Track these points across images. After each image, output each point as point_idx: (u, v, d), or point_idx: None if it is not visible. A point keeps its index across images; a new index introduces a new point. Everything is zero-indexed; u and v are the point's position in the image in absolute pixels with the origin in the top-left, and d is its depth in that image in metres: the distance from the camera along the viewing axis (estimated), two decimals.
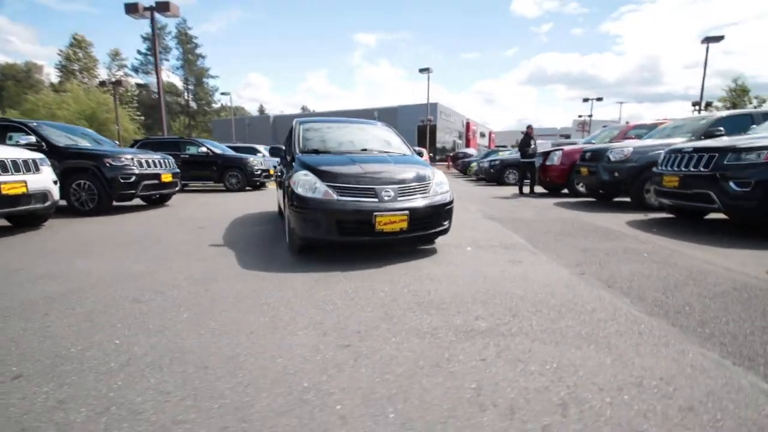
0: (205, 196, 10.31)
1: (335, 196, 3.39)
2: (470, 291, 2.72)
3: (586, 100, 35.34)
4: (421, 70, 25.50)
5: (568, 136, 58.61)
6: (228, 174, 11.60)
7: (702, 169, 4.57)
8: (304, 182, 3.50)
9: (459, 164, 21.83)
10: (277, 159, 15.69)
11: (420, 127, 29.62)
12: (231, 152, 12.58)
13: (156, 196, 7.79)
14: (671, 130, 7.32)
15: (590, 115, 38.95)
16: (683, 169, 4.82)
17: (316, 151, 4.23)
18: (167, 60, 51.76)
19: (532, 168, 10.07)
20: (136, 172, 6.83)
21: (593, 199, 8.40)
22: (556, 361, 1.76)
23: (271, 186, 13.72)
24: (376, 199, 3.41)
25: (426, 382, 1.61)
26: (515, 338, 2.00)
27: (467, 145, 35.09)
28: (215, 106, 56.97)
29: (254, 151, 14.93)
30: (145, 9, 12.91)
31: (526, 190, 10.24)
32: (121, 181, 6.61)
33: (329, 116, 35.88)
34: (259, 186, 12.47)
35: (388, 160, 4.04)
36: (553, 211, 6.95)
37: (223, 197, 10.04)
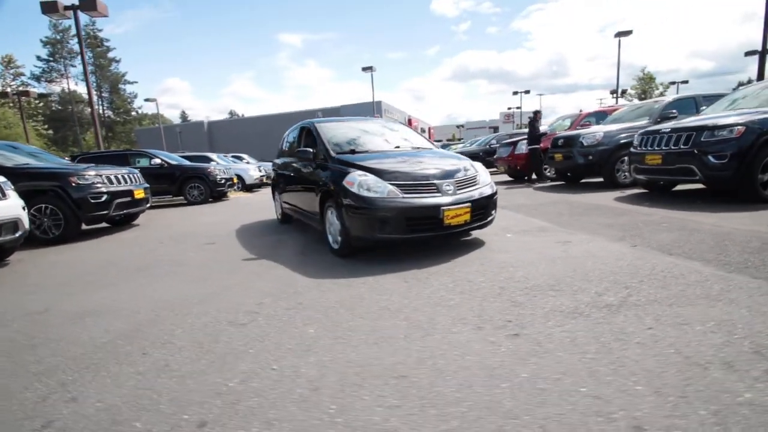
0: (171, 212, 9.42)
1: (400, 194, 3.35)
2: (560, 272, 2.85)
3: (515, 93, 38.03)
4: (364, 69, 25.62)
5: (496, 128, 62.72)
6: (189, 186, 10.71)
7: (682, 146, 5.21)
8: (365, 182, 3.40)
9: None
10: (243, 167, 15.03)
11: None
12: (187, 162, 11.62)
13: (120, 216, 6.95)
14: (628, 115, 8.22)
15: (518, 107, 41.96)
16: (664, 147, 5.46)
17: (353, 151, 4.11)
18: (74, 66, 46.05)
19: (537, 154, 9.68)
20: (107, 189, 6.06)
21: (562, 182, 9.15)
22: (711, 320, 1.95)
23: (235, 196, 12.94)
24: (439, 194, 3.42)
25: (631, 354, 1.69)
26: (652, 306, 2.17)
27: None
28: (135, 114, 51.76)
29: (207, 160, 13.92)
30: (66, 8, 11.34)
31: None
32: (91, 201, 5.82)
33: (263, 119, 34.67)
34: (221, 197, 11.66)
35: (432, 155, 4.07)
36: (541, 195, 7.45)
37: (191, 211, 9.26)
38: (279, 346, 2.03)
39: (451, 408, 1.43)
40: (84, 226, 6.17)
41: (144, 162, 10.55)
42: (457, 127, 60.83)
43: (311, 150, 4.24)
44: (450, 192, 3.46)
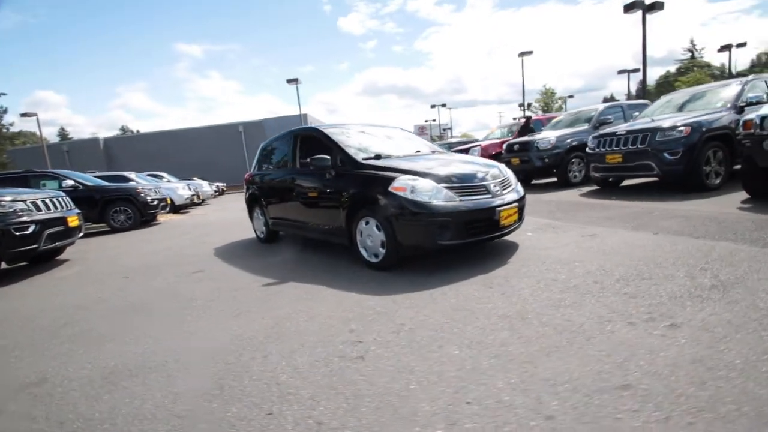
0: (98, 242, 7.87)
1: (456, 197, 3.19)
2: (629, 262, 2.94)
3: (433, 106, 40.22)
4: (290, 81, 24.79)
5: None
6: (113, 210, 9.10)
7: (639, 146, 5.93)
8: (419, 186, 3.17)
9: None
10: (170, 186, 13.18)
11: None
12: (105, 183, 9.89)
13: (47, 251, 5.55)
14: (569, 122, 9.18)
15: (434, 120, 44.55)
16: (623, 147, 6.16)
17: (378, 156, 3.83)
18: None
19: None
20: (34, 218, 4.81)
21: None
22: None
23: (165, 219, 11.36)
24: (489, 194, 3.35)
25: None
26: (737, 287, 2.32)
27: None
28: (4, 131, 42.69)
29: (124, 180, 12.02)
30: None
31: None
32: (16, 233, 4.56)
33: (169, 135, 31.23)
34: (150, 221, 10.10)
35: (459, 158, 4.00)
36: None
37: (125, 240, 7.86)
38: (442, 376, 1.72)
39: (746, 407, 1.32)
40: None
41: (52, 185, 8.70)
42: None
43: (328, 158, 3.85)
44: (498, 192, 3.41)
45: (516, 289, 2.65)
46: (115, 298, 3.58)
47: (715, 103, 6.14)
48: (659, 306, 2.16)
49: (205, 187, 17.13)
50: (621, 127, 6.48)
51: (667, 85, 48.17)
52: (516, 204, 3.44)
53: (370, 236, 3.48)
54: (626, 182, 7.31)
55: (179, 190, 12.86)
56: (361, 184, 3.52)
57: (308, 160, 3.94)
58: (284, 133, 5.07)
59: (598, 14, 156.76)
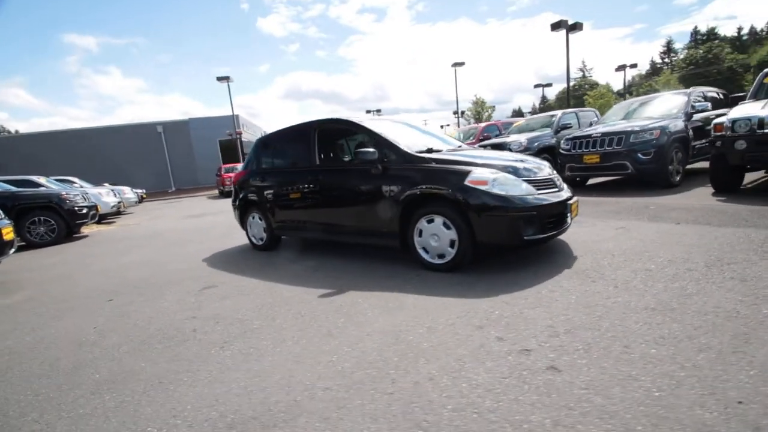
0: (24, 259, 6.24)
1: (535, 191, 3.08)
2: (685, 253, 3.11)
3: (368, 111, 40.31)
4: (220, 78, 22.74)
5: None
6: (29, 221, 7.37)
7: (615, 147, 6.48)
8: (501, 180, 2.99)
9: None
10: (93, 192, 10.97)
11: (224, 141, 26.47)
12: (15, 188, 8.00)
13: None
14: (531, 125, 9.77)
15: None
16: (600, 148, 6.68)
17: (430, 150, 3.57)
18: None
19: None
20: None
21: None
22: None
23: (91, 230, 9.55)
24: (557, 189, 3.30)
25: None
26: None
27: None
28: None
29: (33, 184, 9.87)
30: None
31: None
32: None
33: (67, 135, 26.63)
34: (72, 233, 8.36)
35: (513, 155, 3.89)
36: None
37: (61, 255, 6.39)
38: (676, 379, 1.56)
39: None
40: None
41: None
42: None
43: (375, 151, 3.49)
44: (561, 186, 3.39)
45: (624, 281, 2.61)
46: (126, 329, 2.80)
47: (670, 109, 6.99)
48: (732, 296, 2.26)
49: (128, 193, 14.91)
50: (596, 130, 7.03)
51: (563, 100, 54.89)
52: (576, 198, 3.45)
53: (436, 236, 3.21)
54: (590, 181, 7.97)
55: (104, 196, 10.97)
56: (425, 180, 3.23)
57: (343, 155, 3.54)
58: (296, 126, 4.52)
59: (504, 33, 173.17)
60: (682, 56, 58.97)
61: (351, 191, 3.78)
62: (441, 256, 3.24)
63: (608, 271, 2.82)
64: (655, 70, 59.61)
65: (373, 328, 2.33)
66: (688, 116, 6.69)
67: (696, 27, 66.65)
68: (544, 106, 45.29)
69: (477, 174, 3.04)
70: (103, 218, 11.77)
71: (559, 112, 9.70)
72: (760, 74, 5.83)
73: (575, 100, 44.58)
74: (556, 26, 17.06)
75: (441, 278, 3.09)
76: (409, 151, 3.46)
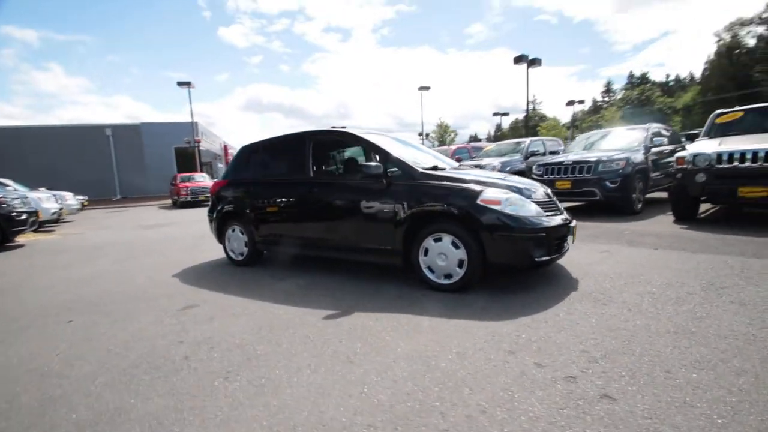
0: None
1: (543, 213, 3.10)
2: (675, 278, 3.26)
3: (333, 127, 40.27)
4: (180, 84, 21.61)
5: None
6: None
7: (585, 174, 6.86)
8: (513, 200, 2.99)
9: None
10: (32, 196, 9.71)
11: (179, 149, 24.99)
12: None
13: None
14: (501, 150, 10.15)
15: None
16: (571, 175, 7.04)
17: (435, 168, 3.51)
18: None
19: None
20: None
21: None
22: None
23: (27, 239, 8.46)
24: (559, 211, 3.36)
25: None
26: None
27: None
28: None
29: None
30: None
31: None
32: None
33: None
34: (9, 242, 7.37)
35: (514, 177, 3.91)
36: None
37: None
38: (729, 403, 1.55)
39: None
40: None
41: None
42: None
43: (381, 165, 3.38)
44: (562, 209, 3.45)
45: (634, 304, 2.66)
46: (98, 357, 2.40)
47: (631, 143, 7.55)
48: None
49: (70, 199, 13.50)
50: (567, 158, 7.42)
51: (517, 129, 58.72)
52: (576, 222, 3.53)
53: (443, 255, 3.12)
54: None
55: (44, 202, 9.81)
56: (436, 197, 3.15)
57: (359, 167, 3.39)
58: (288, 136, 4.30)
59: (462, 63, 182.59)
60: (619, 96, 65.24)
61: (350, 206, 3.61)
62: (448, 276, 3.15)
63: (614, 294, 2.87)
64: (596, 107, 65.17)
65: (397, 353, 2.17)
66: (647, 149, 7.26)
67: (631, 71, 74.21)
68: (500, 134, 47.88)
69: (489, 194, 3.01)
70: (40, 226, 10.53)
71: (527, 140, 10.19)
72: (711, 115, 6.49)
73: (527, 130, 47.60)
74: (518, 60, 18.20)
75: (449, 299, 2.99)
76: (416, 168, 3.39)
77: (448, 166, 3.84)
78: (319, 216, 3.83)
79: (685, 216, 5.84)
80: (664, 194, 8.33)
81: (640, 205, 6.92)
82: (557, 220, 3.16)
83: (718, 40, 53.83)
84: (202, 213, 14.00)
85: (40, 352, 2.48)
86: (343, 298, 3.21)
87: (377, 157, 3.58)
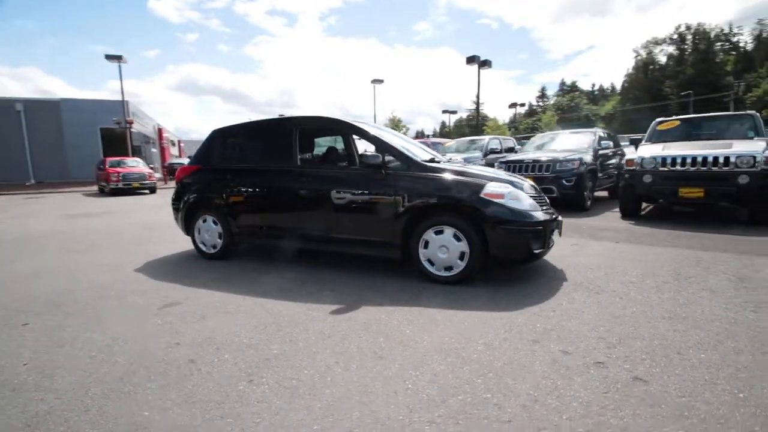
0: None
1: (538, 206, 3.23)
2: (648, 268, 3.60)
3: (280, 115, 38.69)
4: (110, 57, 19.27)
5: None
6: None
7: (545, 173, 7.31)
8: (514, 194, 3.08)
9: None
10: None
11: (107, 131, 22.39)
12: None
13: None
14: (460, 147, 10.45)
15: None
16: (531, 173, 7.45)
17: (432, 160, 3.50)
18: None
19: None
20: None
21: None
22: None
23: None
24: (547, 206, 3.51)
25: None
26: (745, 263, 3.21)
27: (162, 155, 29.69)
28: None
29: None
30: None
31: None
32: None
33: None
34: None
35: (497, 171, 4.01)
36: None
37: None
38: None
39: None
40: None
41: None
42: None
43: (380, 156, 3.30)
44: (548, 202, 3.62)
45: (623, 293, 2.88)
46: (80, 365, 2.07)
47: (581, 144, 8.16)
48: (749, 288, 2.74)
49: None
50: (527, 156, 7.84)
51: (462, 127, 61.21)
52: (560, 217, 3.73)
53: (445, 247, 3.14)
54: None
55: None
56: (439, 189, 3.15)
57: (330, 157, 3.27)
58: (269, 121, 4.06)
59: (409, 59, 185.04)
60: (552, 101, 70.43)
61: (345, 197, 3.48)
62: (448, 268, 3.17)
63: (602, 284, 3.09)
64: (532, 111, 69.78)
65: (425, 347, 2.13)
66: (596, 151, 7.92)
67: (563, 79, 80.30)
68: (447, 131, 49.44)
69: (492, 187, 3.07)
70: None
71: (486, 137, 10.62)
72: (653, 123, 7.21)
73: (470, 129, 49.71)
74: (470, 60, 18.84)
75: (452, 291, 3.02)
76: (416, 159, 3.35)
77: (444, 159, 3.86)
78: (309, 207, 3.65)
79: (631, 213, 6.46)
80: (604, 193, 9.19)
81: (589, 203, 7.53)
82: (550, 213, 3.32)
83: (636, 56, 60.24)
84: (140, 201, 12.86)
85: (1, 364, 2.08)
86: (342, 292, 3.10)
87: (372, 147, 3.50)
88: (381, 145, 3.44)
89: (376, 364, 1.97)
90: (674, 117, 7.16)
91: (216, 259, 4.22)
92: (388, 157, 3.37)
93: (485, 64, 19.17)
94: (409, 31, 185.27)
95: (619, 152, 9.22)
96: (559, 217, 3.56)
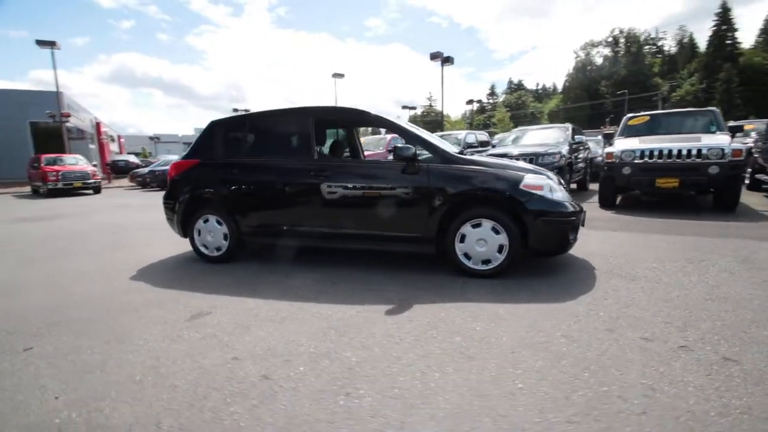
0: None
1: (570, 198, 3.28)
2: (657, 254, 3.81)
3: (236, 110, 36.66)
4: (41, 43, 17.11)
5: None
6: None
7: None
8: (553, 186, 3.10)
9: (141, 176, 17.16)
10: None
11: (38, 124, 19.90)
12: None
13: None
14: None
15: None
16: None
17: (461, 152, 3.43)
18: None
19: None
20: None
21: None
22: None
23: None
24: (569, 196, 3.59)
25: None
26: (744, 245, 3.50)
27: (102, 151, 27.07)
28: None
29: None
30: None
31: None
32: None
33: None
34: None
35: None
36: None
37: None
38: None
39: None
40: None
41: None
42: (151, 139, 50.90)
43: (413, 147, 3.18)
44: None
45: (656, 278, 3.00)
46: (130, 393, 1.77)
47: (557, 139, 8.54)
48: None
49: None
50: (512, 151, 8.04)
51: (417, 123, 62.07)
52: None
53: (483, 241, 3.10)
54: None
55: None
56: (477, 182, 3.09)
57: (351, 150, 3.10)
58: (280, 111, 3.74)
59: (363, 54, 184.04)
60: (501, 99, 73.54)
61: (374, 192, 3.32)
62: (485, 262, 3.14)
63: (631, 271, 3.22)
64: (482, 108, 72.42)
65: (506, 343, 2.07)
66: (570, 145, 8.32)
67: (510, 78, 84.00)
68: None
69: (531, 179, 3.08)
70: None
71: (464, 132, 10.79)
72: (624, 118, 7.70)
73: (425, 125, 50.63)
74: (434, 56, 19.08)
75: (495, 285, 2.98)
76: (450, 152, 3.28)
77: (469, 152, 3.82)
78: (335, 203, 3.44)
79: (609, 203, 6.86)
80: (573, 185, 9.70)
81: None
82: (574, 204, 3.40)
83: (576, 57, 64.45)
84: (88, 203, 11.61)
85: (24, 400, 1.72)
86: (383, 291, 2.95)
87: (403, 140, 3.37)
88: (411, 137, 3.32)
89: (471, 364, 1.88)
90: (643, 113, 7.69)
91: (219, 262, 3.86)
92: (422, 151, 3.27)
93: (448, 60, 19.53)
94: (362, 26, 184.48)
95: (585, 146, 9.80)
96: (584, 208, 3.66)
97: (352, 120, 4.12)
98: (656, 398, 1.57)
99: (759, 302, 2.48)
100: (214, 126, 3.96)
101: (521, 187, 3.04)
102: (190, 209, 3.91)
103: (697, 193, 6.75)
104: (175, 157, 22.86)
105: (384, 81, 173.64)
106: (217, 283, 3.28)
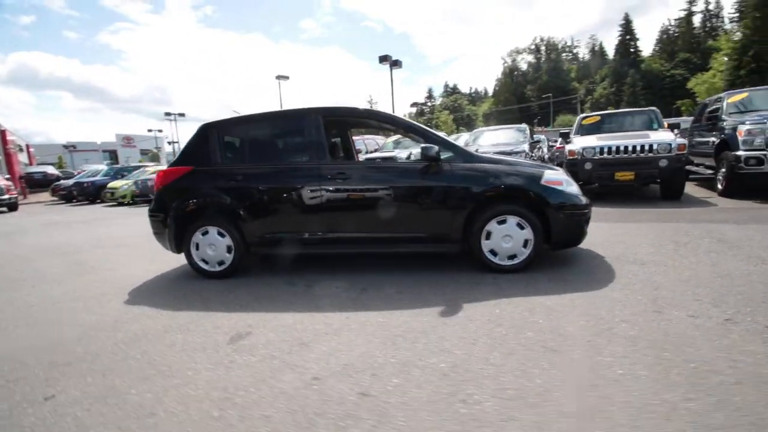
0: None
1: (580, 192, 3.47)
2: (651, 240, 4.19)
3: (168, 114, 33.88)
4: None
5: (113, 152, 52.85)
6: None
7: None
8: (570, 181, 3.26)
9: (66, 189, 15.18)
10: None
11: None
12: None
13: None
14: (405, 143, 10.61)
15: (160, 130, 37.81)
16: None
17: (477, 151, 3.48)
18: None
19: None
20: None
21: None
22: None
23: None
24: None
25: None
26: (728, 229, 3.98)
27: (9, 162, 23.39)
28: None
29: None
30: None
31: None
32: None
33: None
34: None
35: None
36: None
37: None
38: None
39: None
40: None
41: None
42: (66, 147, 45.03)
43: (436, 147, 3.17)
44: None
45: (661, 262, 3.29)
46: None
47: (518, 138, 9.05)
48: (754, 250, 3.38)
49: None
50: (484, 149, 8.37)
51: None
52: None
53: (508, 236, 3.19)
54: None
55: None
56: (504, 179, 3.16)
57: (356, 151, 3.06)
58: (284, 112, 3.54)
59: (298, 56, 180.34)
60: (439, 102, 76.37)
61: (397, 193, 3.26)
62: (511, 257, 3.22)
63: (636, 257, 3.50)
64: (421, 111, 74.59)
65: (576, 332, 2.14)
66: (531, 144, 8.88)
67: (446, 82, 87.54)
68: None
69: (551, 175, 3.22)
70: None
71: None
72: (578, 118, 8.38)
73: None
74: (383, 59, 19.27)
75: (519, 279, 3.07)
76: (471, 151, 3.32)
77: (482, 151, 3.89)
78: (356, 207, 3.32)
79: None
80: None
81: None
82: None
83: (504, 63, 68.94)
84: (9, 221, 10.04)
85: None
86: (421, 293, 2.91)
87: (420, 140, 3.35)
88: (431, 137, 3.31)
89: (562, 357, 1.91)
90: (595, 113, 8.44)
91: (222, 277, 3.54)
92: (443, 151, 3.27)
93: (396, 64, 19.86)
94: (296, 28, 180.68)
95: (540, 145, 10.53)
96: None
97: (356, 122, 4.00)
98: (740, 368, 1.72)
99: (756, 276, 2.82)
100: (208, 129, 3.62)
101: (543, 182, 3.17)
102: (185, 221, 3.53)
103: (644, 184, 7.57)
104: (99, 167, 20.58)
105: (323, 84, 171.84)
106: (234, 301, 3.00)
